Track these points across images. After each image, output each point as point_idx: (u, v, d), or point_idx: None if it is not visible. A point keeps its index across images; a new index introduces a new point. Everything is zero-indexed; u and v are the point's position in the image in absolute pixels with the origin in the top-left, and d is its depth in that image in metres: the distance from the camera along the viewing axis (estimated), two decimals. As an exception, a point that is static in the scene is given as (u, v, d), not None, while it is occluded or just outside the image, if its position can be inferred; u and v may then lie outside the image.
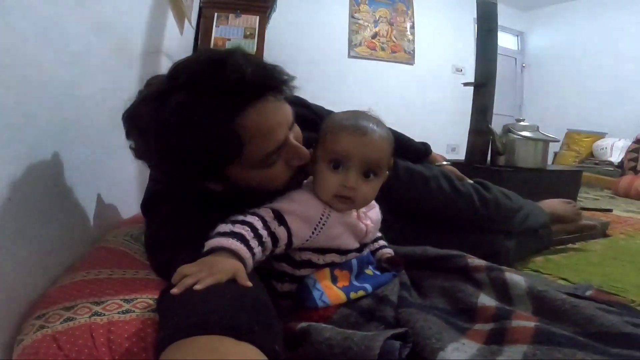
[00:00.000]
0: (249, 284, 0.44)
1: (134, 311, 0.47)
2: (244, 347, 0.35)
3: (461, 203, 0.99)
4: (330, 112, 0.94)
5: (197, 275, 0.42)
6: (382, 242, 0.74)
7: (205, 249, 0.47)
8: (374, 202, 0.66)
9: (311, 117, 0.82)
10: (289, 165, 0.60)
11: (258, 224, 0.53)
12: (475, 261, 0.68)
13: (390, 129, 0.64)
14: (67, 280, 0.55)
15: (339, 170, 0.57)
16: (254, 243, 0.50)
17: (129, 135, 0.56)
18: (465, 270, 0.67)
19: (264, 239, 0.52)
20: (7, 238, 0.49)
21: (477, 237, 1.00)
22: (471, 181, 1.09)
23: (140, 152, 0.56)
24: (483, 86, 1.86)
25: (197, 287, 0.40)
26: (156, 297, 0.51)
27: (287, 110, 0.59)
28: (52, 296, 0.51)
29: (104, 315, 0.46)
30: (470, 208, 0.99)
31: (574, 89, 4.39)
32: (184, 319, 0.37)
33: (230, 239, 0.48)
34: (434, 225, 0.98)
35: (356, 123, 0.58)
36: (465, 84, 2.03)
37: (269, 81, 0.54)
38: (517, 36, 5.07)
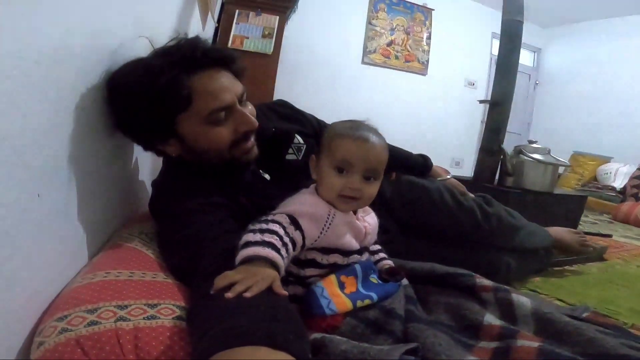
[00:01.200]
0: (285, 293, 0.46)
1: (159, 317, 0.47)
2: (281, 355, 0.36)
3: (464, 216, 1.00)
4: (315, 118, 0.99)
5: (245, 283, 0.44)
6: (382, 255, 0.76)
7: (242, 257, 0.49)
8: (368, 207, 0.70)
9: (293, 115, 0.93)
10: (236, 130, 0.70)
11: (281, 232, 0.55)
12: (484, 281, 0.69)
13: (388, 144, 0.68)
14: (87, 279, 0.53)
15: (343, 174, 0.62)
16: (283, 251, 0.53)
17: (109, 99, 0.65)
18: (472, 289, 0.68)
19: (289, 247, 0.55)
20: (31, 233, 0.48)
21: (479, 254, 1.02)
22: (473, 195, 1.10)
23: (112, 112, 0.66)
24: (499, 105, 1.86)
25: (248, 294, 0.43)
26: (179, 303, 0.52)
27: (238, 85, 0.71)
28: (73, 297, 0.49)
29: (130, 320, 0.45)
30: (473, 222, 1.00)
31: (585, 110, 4.38)
32: (221, 332, 0.38)
33: (266, 249, 0.50)
34: (438, 239, 1.00)
35: (359, 132, 0.63)
36: (481, 102, 2.02)
37: (222, 56, 0.69)
38: (534, 52, 5.04)
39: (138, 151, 0.93)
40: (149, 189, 1.05)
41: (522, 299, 0.64)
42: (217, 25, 2.08)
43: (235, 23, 2.09)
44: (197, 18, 1.48)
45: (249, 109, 0.73)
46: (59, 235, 0.55)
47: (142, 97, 0.62)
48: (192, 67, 0.65)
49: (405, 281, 0.71)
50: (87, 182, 0.64)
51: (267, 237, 0.52)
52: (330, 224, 0.61)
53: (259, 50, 2.09)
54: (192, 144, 0.69)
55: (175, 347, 0.43)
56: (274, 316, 0.41)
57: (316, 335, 0.53)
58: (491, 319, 0.61)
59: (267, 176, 0.80)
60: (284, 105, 0.95)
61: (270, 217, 0.58)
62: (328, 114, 0.97)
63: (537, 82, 5.01)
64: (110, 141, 0.73)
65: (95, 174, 0.67)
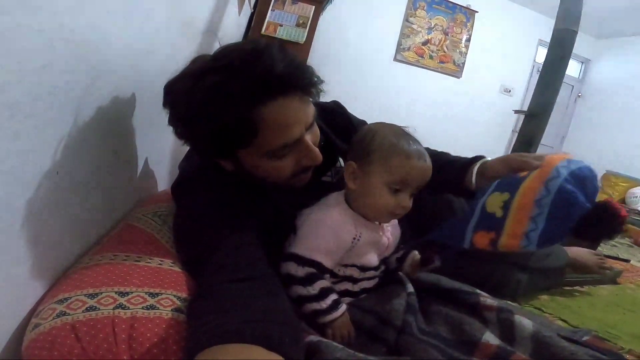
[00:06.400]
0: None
1: (158, 308, 0.46)
2: (273, 357, 0.36)
3: None
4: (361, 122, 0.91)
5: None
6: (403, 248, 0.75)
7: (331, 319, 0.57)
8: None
9: (347, 126, 0.82)
10: (298, 163, 0.62)
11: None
12: (487, 300, 0.68)
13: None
14: (94, 261, 0.53)
15: (397, 192, 0.61)
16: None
17: (164, 104, 0.60)
18: (475, 307, 0.68)
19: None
20: (47, 210, 0.48)
21: (491, 266, 1.00)
22: None
23: (170, 120, 0.60)
24: (536, 117, 1.76)
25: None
26: (181, 294, 0.51)
27: (310, 111, 0.60)
28: (77, 278, 0.49)
29: (128, 308, 0.44)
30: None
31: (624, 128, 4.13)
32: (218, 327, 0.39)
33: (338, 310, 0.59)
34: None
35: (417, 149, 0.62)
36: (517, 112, 1.92)
37: (297, 80, 0.56)
38: (582, 63, 4.80)
39: (158, 134, 0.93)
40: (168, 169, 1.07)
41: (524, 321, 0.63)
42: (252, 10, 2.07)
43: (271, 10, 2.07)
44: (233, 2, 1.47)
45: (315, 133, 0.65)
46: (74, 213, 0.56)
47: (206, 123, 0.55)
48: (263, 95, 0.54)
49: (410, 288, 0.69)
50: (107, 161, 0.65)
51: (334, 297, 0.59)
52: (353, 247, 0.62)
53: (292, 39, 2.07)
54: (249, 170, 0.63)
55: (169, 341, 0.43)
56: (272, 318, 0.41)
57: (312, 338, 0.53)
58: (490, 337, 0.60)
59: None
60: (339, 112, 0.84)
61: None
62: (355, 108, 0.93)
63: (579, 94, 4.75)
64: (132, 122, 0.73)
65: (114, 154, 0.68)
